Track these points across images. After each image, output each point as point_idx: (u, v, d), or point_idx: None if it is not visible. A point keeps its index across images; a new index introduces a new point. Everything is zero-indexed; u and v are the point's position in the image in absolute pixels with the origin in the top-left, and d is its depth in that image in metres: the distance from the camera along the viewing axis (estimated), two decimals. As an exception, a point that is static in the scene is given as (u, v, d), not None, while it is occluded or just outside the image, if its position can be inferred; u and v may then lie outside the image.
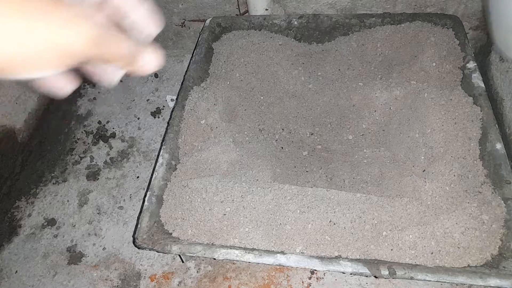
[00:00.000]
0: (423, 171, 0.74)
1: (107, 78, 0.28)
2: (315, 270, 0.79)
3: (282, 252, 0.63)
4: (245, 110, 0.90)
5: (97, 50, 0.23)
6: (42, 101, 1.15)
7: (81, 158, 1.07)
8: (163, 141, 0.81)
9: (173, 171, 0.77)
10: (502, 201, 0.65)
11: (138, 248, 0.67)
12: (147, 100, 1.18)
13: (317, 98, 0.91)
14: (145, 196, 0.72)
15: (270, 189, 0.70)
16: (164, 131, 1.05)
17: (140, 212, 0.71)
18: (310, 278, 0.79)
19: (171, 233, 0.69)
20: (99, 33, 0.23)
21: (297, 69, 0.94)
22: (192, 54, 0.95)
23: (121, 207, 0.96)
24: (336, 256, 0.63)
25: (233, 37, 0.97)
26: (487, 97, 0.78)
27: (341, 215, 0.66)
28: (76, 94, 1.22)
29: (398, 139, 0.82)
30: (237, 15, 1.08)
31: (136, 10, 0.27)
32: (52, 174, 1.05)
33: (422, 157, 0.76)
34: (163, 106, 1.15)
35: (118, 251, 0.89)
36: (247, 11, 1.06)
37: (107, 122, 1.14)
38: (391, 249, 0.63)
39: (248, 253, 0.63)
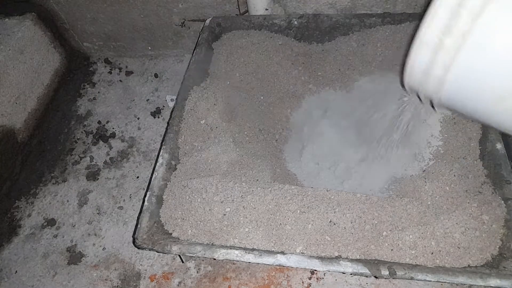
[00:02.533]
0: (423, 171, 0.74)
1: None
2: (315, 270, 0.78)
3: (282, 252, 0.63)
4: (245, 110, 0.90)
5: None
6: (42, 101, 1.15)
7: (81, 158, 1.07)
8: (163, 141, 0.81)
9: (173, 171, 0.77)
10: (502, 201, 0.65)
11: (138, 248, 0.67)
12: (147, 100, 1.18)
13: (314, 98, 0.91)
14: (145, 196, 0.72)
15: (270, 189, 0.70)
16: (164, 131, 1.05)
17: (140, 212, 0.71)
18: (310, 278, 0.79)
19: (171, 233, 0.69)
20: None
21: (297, 69, 0.94)
22: (192, 54, 0.95)
23: (121, 207, 0.96)
24: (336, 256, 0.63)
25: (233, 37, 0.97)
26: (487, 97, 0.78)
27: (341, 215, 0.66)
28: (76, 94, 1.22)
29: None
30: (237, 15, 1.08)
31: None
32: (52, 174, 1.04)
33: (423, 157, 0.76)
34: (163, 106, 1.15)
35: (118, 251, 0.89)
36: (247, 11, 1.06)
37: (107, 122, 1.14)
38: (391, 249, 0.63)
39: (248, 253, 0.63)
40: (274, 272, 0.81)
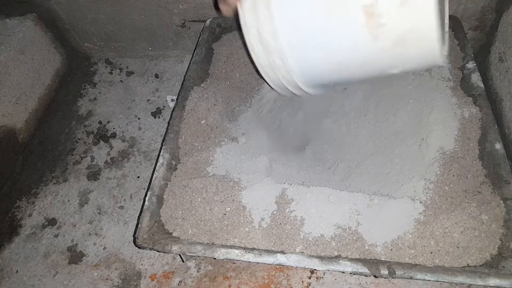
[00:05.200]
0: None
1: None
2: (315, 269, 0.79)
3: (282, 252, 0.63)
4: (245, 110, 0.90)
5: None
6: (42, 101, 1.15)
7: (82, 158, 1.07)
8: (163, 141, 0.81)
9: (174, 171, 0.77)
10: (502, 201, 0.65)
11: (139, 247, 0.67)
12: (148, 100, 1.18)
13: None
14: (145, 196, 0.73)
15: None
16: (165, 131, 1.06)
17: (141, 212, 0.71)
18: (310, 277, 0.80)
19: (171, 233, 0.69)
20: None
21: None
22: (193, 55, 0.95)
23: (121, 207, 0.96)
24: (336, 256, 0.63)
25: (233, 38, 0.97)
26: (486, 97, 0.78)
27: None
28: (77, 94, 1.22)
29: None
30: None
31: None
32: (53, 174, 1.05)
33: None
34: (164, 106, 1.16)
35: (118, 250, 0.89)
36: (247, 12, 1.06)
37: (108, 122, 1.15)
38: (391, 249, 0.63)
39: (248, 252, 0.63)
40: (274, 272, 0.81)
